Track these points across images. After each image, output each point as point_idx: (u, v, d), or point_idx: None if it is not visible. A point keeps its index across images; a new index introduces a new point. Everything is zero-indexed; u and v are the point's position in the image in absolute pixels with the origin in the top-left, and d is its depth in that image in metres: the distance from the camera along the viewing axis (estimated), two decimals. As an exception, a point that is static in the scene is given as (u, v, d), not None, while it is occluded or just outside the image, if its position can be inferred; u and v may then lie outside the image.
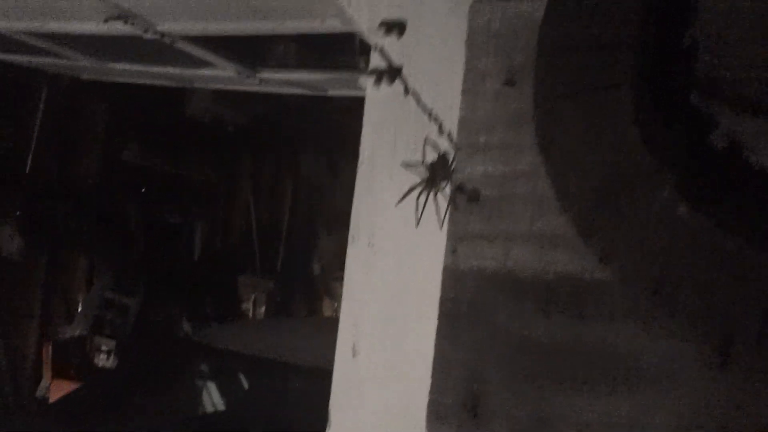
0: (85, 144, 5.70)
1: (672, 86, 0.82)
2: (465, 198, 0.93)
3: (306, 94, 3.73)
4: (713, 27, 0.81)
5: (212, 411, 3.73)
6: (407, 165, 1.05)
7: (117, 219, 5.84)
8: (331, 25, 2.02)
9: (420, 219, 1.03)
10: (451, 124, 1.00)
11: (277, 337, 3.98)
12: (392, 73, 1.07)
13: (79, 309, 5.58)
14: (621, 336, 0.85)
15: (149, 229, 6.04)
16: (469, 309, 0.94)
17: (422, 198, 1.03)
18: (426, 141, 1.05)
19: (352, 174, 1.19)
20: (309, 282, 6.48)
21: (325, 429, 1.21)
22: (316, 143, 6.42)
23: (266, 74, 3.21)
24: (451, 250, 0.95)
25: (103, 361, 5.37)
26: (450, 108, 1.00)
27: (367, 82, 1.10)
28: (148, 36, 2.59)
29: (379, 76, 1.08)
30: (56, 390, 4.84)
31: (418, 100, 1.06)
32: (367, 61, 1.15)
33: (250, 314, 6.25)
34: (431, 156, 1.04)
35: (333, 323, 1.22)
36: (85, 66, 3.72)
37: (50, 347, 5.13)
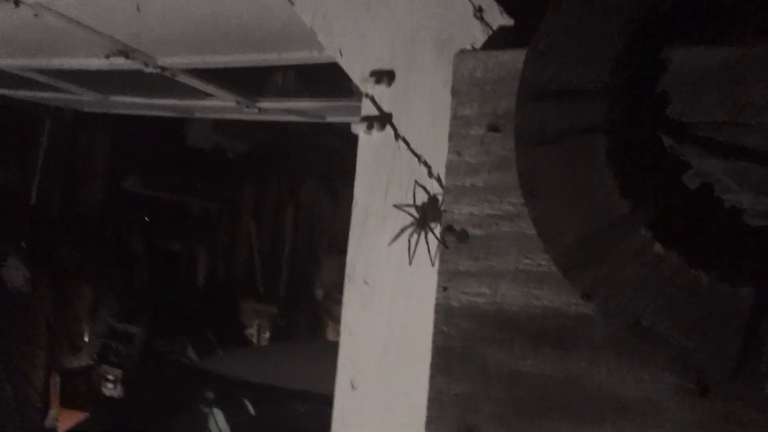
0: (87, 175, 5.76)
1: (645, 131, 0.87)
2: (454, 238, 0.98)
3: (305, 121, 3.78)
4: (684, 78, 0.86)
5: (219, 438, 3.75)
6: (399, 206, 1.10)
7: (121, 248, 5.88)
8: (329, 55, 2.06)
9: (412, 258, 1.08)
10: (440, 167, 1.05)
11: (281, 363, 4.01)
12: (383, 119, 1.13)
13: (85, 338, 5.60)
14: (605, 368, 0.89)
15: (153, 257, 6.07)
16: (462, 344, 0.98)
17: (414, 238, 1.08)
18: (416, 183, 1.10)
19: (350, 198, 1.23)
20: (312, 306, 6.49)
21: None
22: (315, 169, 6.47)
23: (265, 103, 3.26)
24: (443, 287, 1.00)
25: (110, 390, 5.38)
26: (438, 152, 1.05)
27: (359, 128, 1.15)
28: (149, 70, 2.64)
29: (371, 122, 1.13)
30: (64, 420, 4.86)
31: (408, 145, 1.11)
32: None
33: (255, 340, 6.27)
34: (422, 198, 1.09)
35: (336, 348, 1.25)
36: (88, 100, 3.76)
37: (58, 377, 5.16)
